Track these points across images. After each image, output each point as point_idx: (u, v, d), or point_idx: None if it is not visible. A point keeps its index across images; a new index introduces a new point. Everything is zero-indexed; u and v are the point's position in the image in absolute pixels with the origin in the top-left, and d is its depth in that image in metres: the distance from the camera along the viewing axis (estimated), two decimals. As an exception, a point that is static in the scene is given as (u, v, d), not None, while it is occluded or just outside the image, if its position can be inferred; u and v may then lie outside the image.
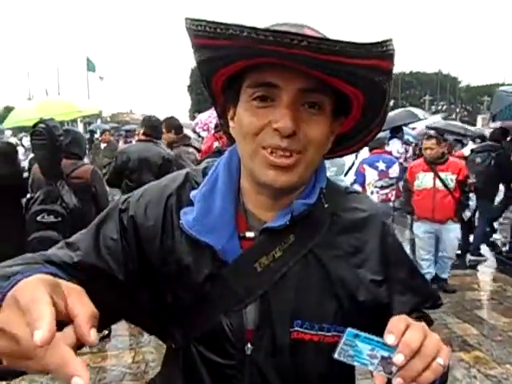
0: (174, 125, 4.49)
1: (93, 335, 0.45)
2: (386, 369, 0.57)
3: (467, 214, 4.37)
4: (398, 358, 0.55)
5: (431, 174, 4.24)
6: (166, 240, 0.77)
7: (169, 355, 0.86)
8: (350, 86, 0.69)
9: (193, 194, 0.78)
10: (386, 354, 0.57)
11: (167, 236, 0.77)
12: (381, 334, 0.80)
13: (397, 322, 0.58)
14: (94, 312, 0.47)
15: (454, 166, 4.24)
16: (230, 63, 0.70)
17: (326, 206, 0.78)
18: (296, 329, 0.73)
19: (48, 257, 0.72)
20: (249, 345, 0.73)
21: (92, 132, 13.64)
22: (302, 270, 0.74)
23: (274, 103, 0.68)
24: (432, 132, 5.18)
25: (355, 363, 0.58)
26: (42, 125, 3.00)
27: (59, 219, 2.97)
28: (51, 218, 2.97)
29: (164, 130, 4.43)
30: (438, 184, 4.20)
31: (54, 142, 2.99)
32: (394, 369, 0.57)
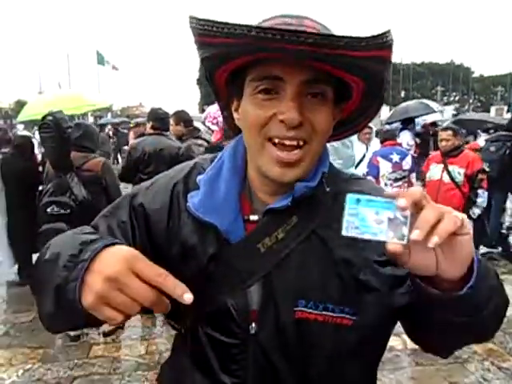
0: (182, 118, 4.48)
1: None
2: (396, 233, 0.55)
3: (475, 211, 4.07)
4: (400, 202, 0.54)
5: (441, 166, 4.15)
6: (173, 223, 0.81)
7: (178, 339, 0.90)
8: (351, 75, 0.71)
9: (199, 178, 0.82)
10: (391, 213, 0.55)
11: (174, 219, 0.81)
12: (396, 318, 0.78)
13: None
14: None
15: (463, 159, 4.10)
16: (234, 58, 0.72)
17: (327, 189, 0.79)
18: (300, 308, 0.74)
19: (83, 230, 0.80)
20: (253, 324, 0.75)
21: (102, 126, 13.74)
22: (304, 250, 0.76)
23: (278, 95, 0.70)
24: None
25: (365, 236, 0.56)
26: (50, 117, 3.03)
27: (68, 211, 3.01)
28: (60, 210, 3.01)
29: (173, 123, 4.45)
30: (445, 177, 4.10)
31: (61, 134, 3.01)
32: (405, 231, 0.55)
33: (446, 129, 4.26)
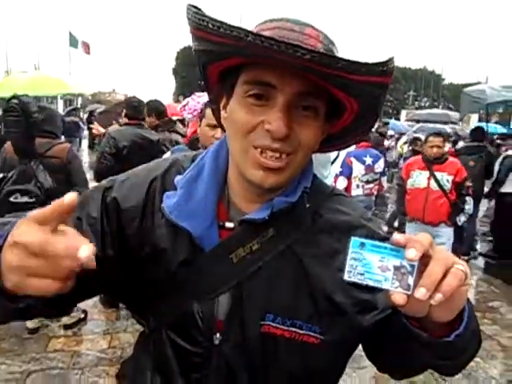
0: (154, 109, 4.32)
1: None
2: (402, 283, 0.53)
3: (462, 218, 3.94)
4: (410, 253, 0.51)
5: (426, 173, 4.02)
6: (146, 222, 0.77)
7: (141, 339, 0.88)
8: (347, 95, 0.69)
9: (177, 179, 0.79)
10: (397, 261, 0.53)
11: (147, 218, 0.78)
12: (363, 338, 0.78)
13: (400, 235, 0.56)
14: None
15: (451, 166, 3.99)
16: (229, 57, 0.70)
17: (307, 205, 0.78)
18: (267, 322, 0.73)
19: None
20: (218, 335, 0.73)
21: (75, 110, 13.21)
22: (278, 264, 0.74)
23: (268, 103, 0.68)
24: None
25: (368, 282, 0.54)
26: (16, 100, 2.86)
27: (33, 200, 2.85)
28: (25, 199, 2.86)
29: (145, 114, 4.30)
30: (433, 184, 3.98)
31: (28, 118, 2.85)
32: (410, 281, 0.53)
33: (437, 135, 4.09)
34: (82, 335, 3.37)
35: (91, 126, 5.32)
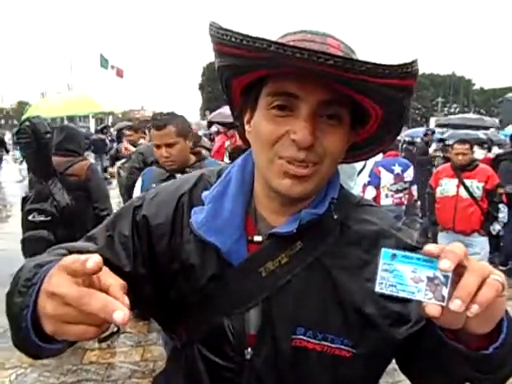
0: None
1: (126, 299, 0.50)
2: (436, 294, 0.51)
3: (496, 227, 3.78)
4: (444, 264, 0.50)
5: (455, 181, 3.90)
6: (175, 238, 0.78)
7: (173, 353, 0.88)
8: (370, 100, 0.68)
9: (204, 194, 0.80)
10: (430, 272, 0.52)
11: (176, 234, 0.78)
12: (397, 351, 0.77)
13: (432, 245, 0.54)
14: (123, 282, 0.53)
15: (482, 173, 3.87)
16: (253, 71, 0.70)
17: (335, 217, 0.77)
18: (299, 336, 0.72)
19: (66, 247, 0.76)
20: (249, 349, 0.73)
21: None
22: (307, 277, 0.73)
23: (293, 113, 0.68)
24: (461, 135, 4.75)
25: (400, 294, 0.52)
26: (27, 123, 2.95)
27: (49, 218, 2.94)
28: (41, 217, 2.94)
29: None
30: (462, 192, 3.85)
31: (38, 139, 2.93)
32: (444, 292, 0.51)
33: (463, 142, 3.96)
34: (115, 348, 3.43)
35: (122, 145, 5.45)
